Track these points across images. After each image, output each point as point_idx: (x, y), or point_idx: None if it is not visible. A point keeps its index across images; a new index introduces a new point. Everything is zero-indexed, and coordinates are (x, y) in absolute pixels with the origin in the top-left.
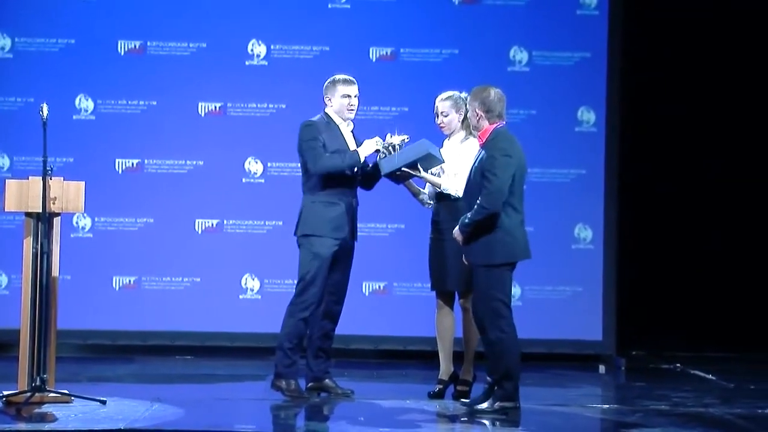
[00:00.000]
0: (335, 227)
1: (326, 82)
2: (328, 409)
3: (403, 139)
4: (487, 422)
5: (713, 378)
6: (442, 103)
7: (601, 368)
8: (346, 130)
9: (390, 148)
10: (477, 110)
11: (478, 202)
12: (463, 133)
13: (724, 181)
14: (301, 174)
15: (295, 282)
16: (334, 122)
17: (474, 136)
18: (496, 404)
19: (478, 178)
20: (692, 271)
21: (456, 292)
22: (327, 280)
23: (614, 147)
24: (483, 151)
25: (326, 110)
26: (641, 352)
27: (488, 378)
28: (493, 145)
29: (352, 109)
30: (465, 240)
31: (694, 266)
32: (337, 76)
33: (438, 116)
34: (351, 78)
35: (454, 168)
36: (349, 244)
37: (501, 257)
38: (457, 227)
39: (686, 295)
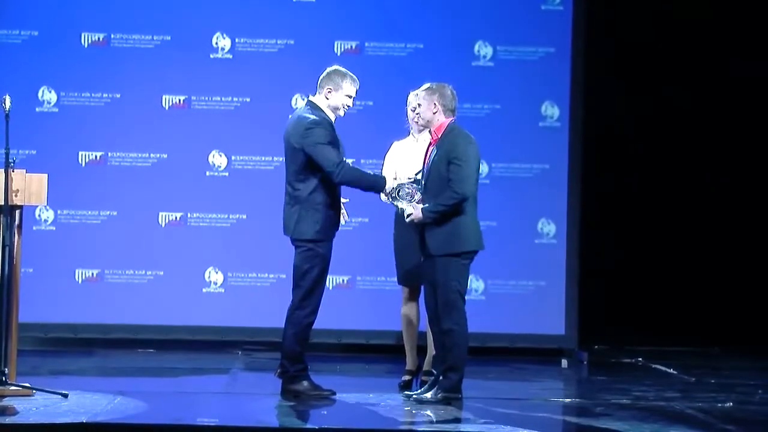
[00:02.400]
0: (334, 228)
1: (331, 71)
2: (292, 403)
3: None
4: (432, 413)
5: (674, 372)
6: (414, 96)
7: (564, 362)
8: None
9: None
10: (436, 103)
11: (451, 188)
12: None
13: (686, 176)
14: (286, 169)
15: (293, 286)
16: (331, 120)
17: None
18: (440, 394)
19: (442, 169)
20: (654, 266)
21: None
22: None
23: (577, 142)
24: (438, 145)
25: (317, 101)
26: (603, 346)
27: (432, 369)
28: (454, 136)
29: (345, 110)
30: (424, 226)
31: (656, 261)
32: (347, 72)
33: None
34: (357, 79)
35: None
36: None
37: (464, 246)
38: (419, 211)
39: (648, 290)
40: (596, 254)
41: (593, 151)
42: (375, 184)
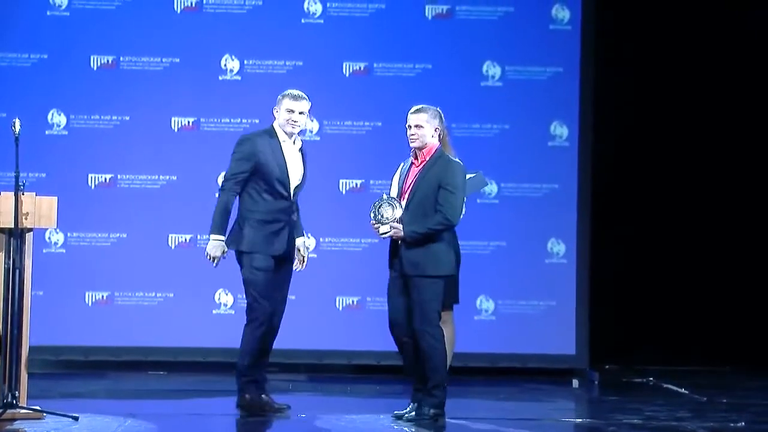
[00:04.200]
0: (270, 244)
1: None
2: (299, 424)
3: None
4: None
5: (686, 392)
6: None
7: (575, 382)
8: (290, 146)
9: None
10: (437, 128)
11: (441, 213)
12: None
13: (698, 196)
14: None
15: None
16: (277, 137)
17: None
18: (431, 411)
19: (429, 192)
20: (665, 285)
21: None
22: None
23: (587, 161)
24: (426, 168)
25: (273, 123)
26: (614, 366)
27: (416, 387)
28: (446, 162)
29: (293, 126)
30: (407, 246)
31: (667, 280)
32: (288, 91)
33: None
34: (302, 94)
35: None
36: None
37: (448, 269)
38: (400, 230)
39: (659, 309)
40: (606, 274)
41: (603, 170)
42: (212, 226)
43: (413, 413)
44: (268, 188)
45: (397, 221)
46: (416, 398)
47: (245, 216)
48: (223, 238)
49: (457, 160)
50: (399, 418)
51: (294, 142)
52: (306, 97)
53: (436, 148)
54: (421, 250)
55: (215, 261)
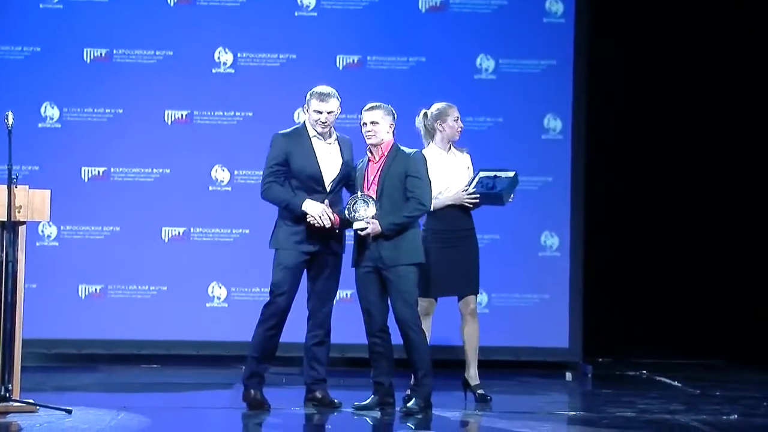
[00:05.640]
0: (299, 241)
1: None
2: (298, 418)
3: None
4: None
5: (679, 385)
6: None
7: (568, 375)
8: (321, 144)
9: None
10: (392, 124)
11: (415, 200)
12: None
13: (692, 189)
14: None
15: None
16: (308, 134)
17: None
18: (422, 402)
19: (398, 184)
20: (658, 278)
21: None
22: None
23: (580, 154)
24: (388, 163)
25: (305, 120)
26: (608, 359)
27: (380, 380)
28: (406, 153)
29: (322, 126)
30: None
31: (660, 273)
32: (316, 89)
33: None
34: (330, 92)
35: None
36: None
37: (418, 257)
38: (377, 225)
39: (652, 303)
40: (600, 267)
41: (596, 163)
42: (289, 204)
43: (411, 402)
44: (300, 185)
45: (373, 218)
46: (379, 391)
47: (280, 213)
48: (306, 196)
49: (413, 150)
50: (360, 409)
51: (329, 135)
52: (335, 94)
53: (392, 144)
54: (399, 239)
55: (324, 216)
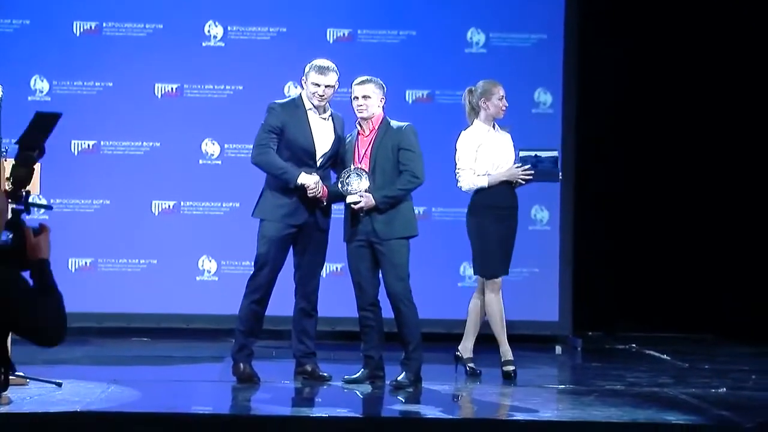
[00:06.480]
0: (286, 213)
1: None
2: (288, 391)
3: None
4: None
5: (668, 358)
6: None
7: (558, 349)
8: (316, 117)
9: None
10: (383, 98)
11: (408, 172)
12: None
13: (680, 163)
14: None
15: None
16: (304, 107)
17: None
18: (412, 376)
19: (391, 157)
20: (648, 253)
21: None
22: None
23: (570, 129)
24: (379, 136)
25: (301, 92)
26: (597, 333)
27: (371, 353)
28: (398, 126)
29: (319, 99)
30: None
31: (649, 247)
32: (315, 62)
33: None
34: (329, 66)
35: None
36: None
37: (412, 230)
38: (371, 199)
39: (642, 276)
40: (589, 241)
41: (586, 137)
42: (285, 173)
43: (401, 376)
44: (292, 156)
45: (366, 191)
46: (369, 364)
47: (268, 183)
48: (300, 170)
49: (404, 123)
50: (350, 382)
51: (324, 110)
52: (334, 68)
53: (383, 117)
54: (392, 212)
55: (318, 188)
